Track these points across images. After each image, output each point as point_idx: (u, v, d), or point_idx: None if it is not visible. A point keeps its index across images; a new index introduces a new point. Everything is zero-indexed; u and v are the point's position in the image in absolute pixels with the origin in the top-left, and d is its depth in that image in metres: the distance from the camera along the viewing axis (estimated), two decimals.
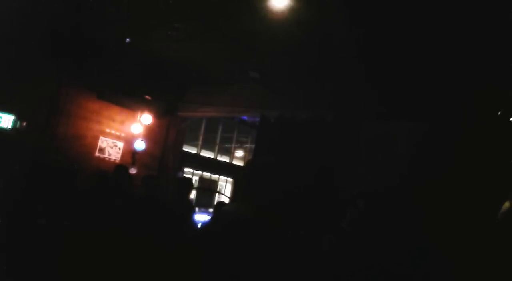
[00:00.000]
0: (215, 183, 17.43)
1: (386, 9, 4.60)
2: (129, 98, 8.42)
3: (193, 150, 16.08)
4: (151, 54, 7.28)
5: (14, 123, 6.99)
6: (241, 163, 18.21)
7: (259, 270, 2.79)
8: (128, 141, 8.66)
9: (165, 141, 9.40)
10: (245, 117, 12.64)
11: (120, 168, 5.21)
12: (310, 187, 5.90)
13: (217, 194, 16.29)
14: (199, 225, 4.31)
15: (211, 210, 13.58)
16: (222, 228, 2.97)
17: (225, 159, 17.97)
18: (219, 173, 17.40)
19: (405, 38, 4.92)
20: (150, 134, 8.93)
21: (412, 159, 5.26)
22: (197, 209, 11.56)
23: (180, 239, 3.56)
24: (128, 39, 6.86)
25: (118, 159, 8.51)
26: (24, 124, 7.08)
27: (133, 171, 8.37)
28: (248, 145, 17.34)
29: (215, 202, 4.30)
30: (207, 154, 16.98)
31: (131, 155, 8.65)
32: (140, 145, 8.60)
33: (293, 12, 5.05)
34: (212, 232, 3.23)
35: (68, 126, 7.82)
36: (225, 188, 17.73)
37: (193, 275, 3.04)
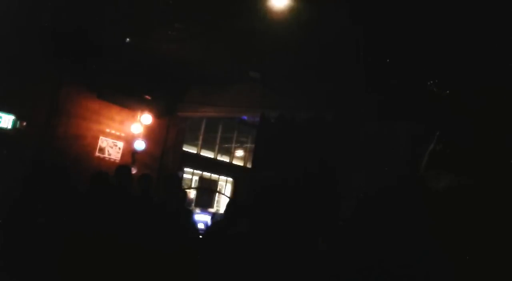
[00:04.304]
0: (215, 183, 17.41)
1: (386, 9, 4.60)
2: (129, 98, 8.41)
3: (193, 150, 16.07)
4: (151, 54, 7.27)
5: (14, 123, 6.98)
6: (241, 163, 18.21)
7: (259, 272, 2.79)
8: (128, 141, 8.66)
9: (165, 141, 9.40)
10: (245, 117, 12.65)
11: (122, 168, 5.09)
12: (310, 186, 5.90)
13: (217, 194, 16.28)
14: (200, 225, 4.30)
15: (211, 210, 13.59)
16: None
17: (225, 159, 17.95)
18: (219, 173, 17.38)
19: (405, 38, 4.92)
20: (150, 134, 8.93)
21: (412, 159, 5.25)
22: (198, 209, 11.58)
23: (177, 240, 3.56)
24: (128, 39, 6.86)
25: (118, 159, 8.51)
26: (24, 124, 7.08)
27: (133, 171, 8.38)
28: (248, 145, 17.32)
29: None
30: (207, 154, 16.96)
31: (131, 155, 8.65)
32: (140, 145, 8.59)
33: (293, 12, 5.06)
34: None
35: (68, 126, 7.82)
36: (225, 188, 17.71)
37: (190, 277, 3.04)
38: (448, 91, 4.85)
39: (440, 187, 3.75)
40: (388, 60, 5.30)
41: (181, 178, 9.92)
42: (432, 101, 5.12)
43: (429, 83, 4.98)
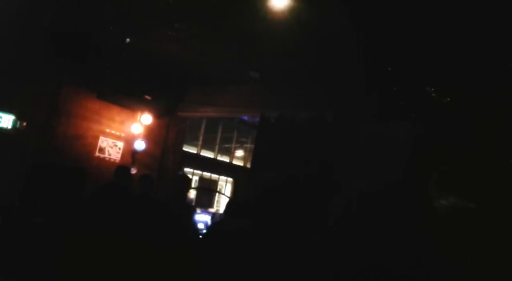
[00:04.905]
0: (215, 183, 17.42)
1: (385, 9, 4.60)
2: (129, 98, 8.42)
3: (193, 150, 16.08)
4: (151, 54, 7.28)
5: (14, 123, 6.98)
6: (241, 163, 18.20)
7: (257, 272, 2.79)
8: (128, 141, 8.66)
9: (165, 141, 9.41)
10: (245, 117, 12.64)
11: (121, 168, 5.07)
12: (310, 186, 5.90)
13: (217, 194, 16.29)
14: (200, 225, 4.29)
15: (211, 210, 13.58)
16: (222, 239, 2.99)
17: (225, 159, 17.95)
18: (219, 173, 17.39)
19: (404, 38, 4.92)
20: (150, 134, 8.93)
21: (412, 159, 5.26)
22: (197, 209, 11.57)
23: (177, 240, 3.55)
24: (128, 39, 6.86)
25: (118, 159, 8.51)
26: (24, 124, 7.08)
27: (133, 171, 8.38)
28: (248, 145, 17.32)
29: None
30: (207, 154, 16.96)
31: (131, 155, 8.66)
32: (140, 145, 8.60)
33: (293, 12, 5.06)
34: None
35: (68, 126, 7.82)
36: (225, 188, 17.71)
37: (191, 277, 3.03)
38: (448, 98, 4.87)
39: (444, 208, 3.80)
40: (387, 60, 5.30)
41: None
42: (432, 103, 5.13)
43: (428, 89, 4.99)
